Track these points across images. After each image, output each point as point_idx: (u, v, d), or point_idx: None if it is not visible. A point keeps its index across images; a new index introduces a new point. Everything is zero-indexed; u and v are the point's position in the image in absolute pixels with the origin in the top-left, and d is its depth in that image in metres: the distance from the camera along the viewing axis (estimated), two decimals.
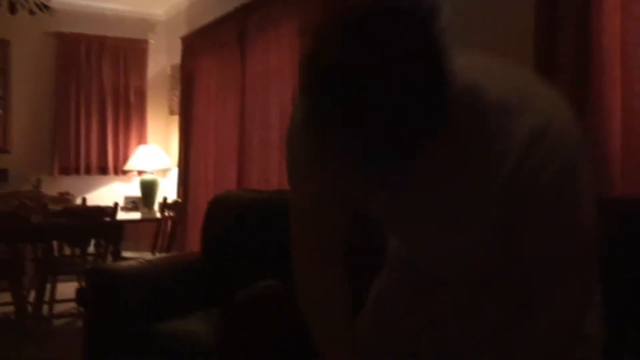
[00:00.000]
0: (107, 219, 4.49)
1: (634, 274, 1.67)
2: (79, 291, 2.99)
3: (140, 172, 5.91)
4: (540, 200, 1.03)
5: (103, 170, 6.17)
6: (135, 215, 5.47)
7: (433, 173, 1.04)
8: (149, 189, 5.71)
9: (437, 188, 1.09)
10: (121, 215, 4.89)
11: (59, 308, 4.48)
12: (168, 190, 5.80)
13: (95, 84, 6.10)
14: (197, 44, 5.37)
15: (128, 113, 6.26)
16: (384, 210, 1.22)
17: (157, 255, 4.65)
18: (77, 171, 6.05)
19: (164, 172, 6.09)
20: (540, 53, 2.23)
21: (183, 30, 5.74)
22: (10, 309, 4.39)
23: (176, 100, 6.00)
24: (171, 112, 6.29)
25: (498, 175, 1.03)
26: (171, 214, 5.03)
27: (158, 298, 2.75)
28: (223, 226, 2.99)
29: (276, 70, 4.11)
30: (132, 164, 5.87)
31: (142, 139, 6.29)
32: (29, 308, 4.46)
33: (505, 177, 1.02)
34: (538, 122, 0.99)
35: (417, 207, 1.14)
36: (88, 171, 6.09)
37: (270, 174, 4.12)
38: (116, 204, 4.56)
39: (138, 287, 2.72)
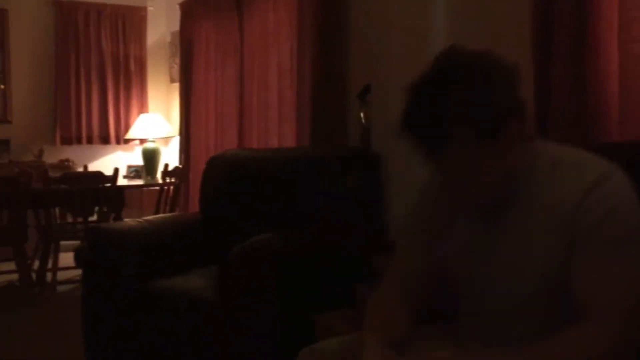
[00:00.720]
0: (108, 184, 4.49)
1: None
2: (78, 251, 2.99)
3: (142, 141, 5.90)
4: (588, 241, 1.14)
5: (105, 140, 6.17)
6: (137, 182, 5.48)
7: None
8: (151, 157, 5.69)
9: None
10: (122, 182, 4.88)
11: (62, 276, 4.50)
12: (170, 158, 5.79)
13: (94, 52, 6.07)
14: (195, 10, 5.32)
15: (128, 82, 6.23)
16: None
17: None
18: (79, 141, 6.05)
19: (166, 140, 6.07)
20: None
21: None
22: (14, 276, 4.43)
23: (176, 68, 5.97)
24: (172, 80, 6.26)
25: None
26: (173, 180, 5.02)
27: (157, 256, 2.75)
28: (220, 185, 2.98)
29: (274, 31, 4.07)
30: (133, 132, 5.85)
31: (143, 108, 6.27)
32: (33, 276, 4.50)
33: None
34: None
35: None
36: (90, 141, 6.09)
37: (270, 135, 4.12)
38: (116, 170, 4.55)
39: (137, 246, 2.72)
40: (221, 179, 2.99)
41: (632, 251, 1.11)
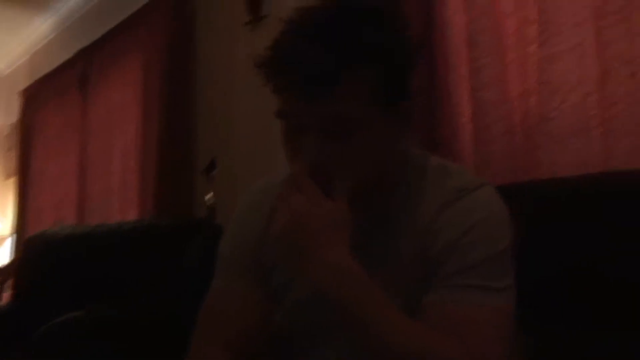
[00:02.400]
0: None
1: None
2: None
3: None
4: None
5: None
6: None
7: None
8: None
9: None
10: None
11: None
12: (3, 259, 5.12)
13: None
14: (36, 95, 4.92)
15: None
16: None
17: None
18: None
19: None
20: None
21: (23, 85, 5.27)
22: None
23: (14, 162, 5.43)
24: (7, 176, 5.68)
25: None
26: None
27: None
28: (39, 266, 2.55)
29: (119, 108, 3.78)
30: None
31: None
32: None
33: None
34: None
35: None
36: None
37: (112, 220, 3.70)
38: None
39: None
40: (40, 260, 2.56)
41: (490, 289, 0.88)
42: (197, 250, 2.18)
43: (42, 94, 4.84)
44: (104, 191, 3.86)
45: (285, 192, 0.91)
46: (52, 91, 4.66)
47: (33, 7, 4.71)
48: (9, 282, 4.37)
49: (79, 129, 4.22)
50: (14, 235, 5.02)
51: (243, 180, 2.68)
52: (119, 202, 3.67)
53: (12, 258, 4.74)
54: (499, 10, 1.86)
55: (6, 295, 4.31)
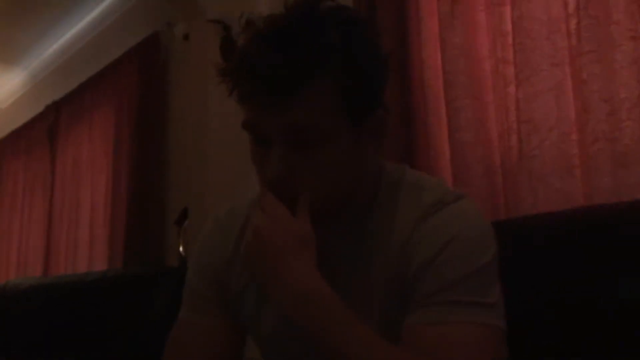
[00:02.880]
0: None
1: None
2: None
3: None
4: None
5: None
6: None
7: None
8: None
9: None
10: None
11: None
12: None
13: None
14: (4, 147, 4.84)
15: None
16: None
17: None
18: None
19: None
20: None
21: None
22: None
23: None
24: None
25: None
26: None
27: None
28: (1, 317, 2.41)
29: (89, 161, 3.71)
30: None
31: None
32: None
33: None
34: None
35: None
36: None
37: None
38: None
39: None
40: (2, 311, 2.43)
41: (473, 304, 0.81)
42: (165, 297, 2.08)
43: (10, 149, 4.77)
44: (71, 244, 3.74)
45: (252, 211, 0.87)
46: (21, 144, 4.60)
47: (4, 62, 4.67)
48: None
49: (46, 183, 4.14)
50: None
51: None
52: (87, 255, 3.56)
53: None
54: (475, 52, 1.85)
55: None
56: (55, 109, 4.13)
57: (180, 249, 2.72)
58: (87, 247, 3.55)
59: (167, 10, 3.10)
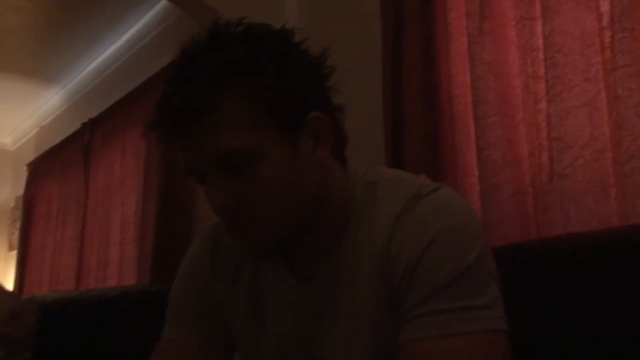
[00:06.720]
0: None
1: None
2: None
3: None
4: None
5: None
6: None
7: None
8: None
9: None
10: None
11: None
12: None
13: None
14: (42, 169, 4.93)
15: None
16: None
17: None
18: None
19: None
20: (387, 113, 2.02)
21: (31, 158, 5.28)
22: None
23: (17, 234, 5.37)
24: (11, 248, 5.60)
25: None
26: None
27: None
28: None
29: (120, 179, 3.73)
30: None
31: None
32: None
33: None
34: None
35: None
36: None
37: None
38: None
39: None
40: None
41: (470, 308, 0.75)
42: None
43: (46, 167, 4.86)
44: (102, 262, 3.77)
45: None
46: (57, 164, 4.66)
47: (43, 80, 4.77)
48: None
49: (80, 201, 4.18)
50: None
51: None
52: (117, 272, 3.57)
53: None
54: (505, 68, 1.80)
55: None
56: (89, 127, 4.19)
57: None
58: (117, 264, 3.57)
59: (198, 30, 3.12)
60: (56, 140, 4.79)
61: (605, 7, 1.56)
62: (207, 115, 0.77)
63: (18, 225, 5.34)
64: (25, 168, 5.25)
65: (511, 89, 1.79)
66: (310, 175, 0.84)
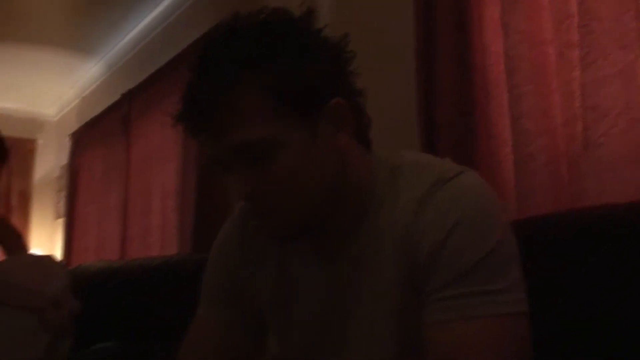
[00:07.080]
0: None
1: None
2: None
3: None
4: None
5: None
6: None
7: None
8: None
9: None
10: None
11: None
12: None
13: None
14: (84, 139, 5.04)
15: (8, 218, 5.70)
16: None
17: None
18: None
19: None
20: (420, 85, 2.02)
21: (74, 129, 5.41)
22: None
23: (63, 203, 5.54)
24: (57, 216, 5.79)
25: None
26: None
27: None
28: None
29: (159, 149, 3.81)
30: None
31: None
32: None
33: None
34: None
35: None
36: None
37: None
38: None
39: None
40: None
41: (492, 292, 0.77)
42: None
43: (89, 137, 4.96)
44: (144, 230, 3.87)
45: None
46: (98, 134, 4.76)
47: (83, 52, 4.85)
48: None
49: (121, 170, 4.27)
50: None
51: None
52: (159, 241, 3.67)
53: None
54: (538, 36, 1.78)
55: None
56: (129, 97, 4.26)
57: None
58: (159, 233, 3.67)
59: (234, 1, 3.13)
60: (97, 110, 4.89)
61: None
62: (226, 110, 0.81)
63: (63, 194, 5.51)
64: (68, 138, 5.39)
65: (545, 57, 1.77)
66: (330, 161, 0.86)
